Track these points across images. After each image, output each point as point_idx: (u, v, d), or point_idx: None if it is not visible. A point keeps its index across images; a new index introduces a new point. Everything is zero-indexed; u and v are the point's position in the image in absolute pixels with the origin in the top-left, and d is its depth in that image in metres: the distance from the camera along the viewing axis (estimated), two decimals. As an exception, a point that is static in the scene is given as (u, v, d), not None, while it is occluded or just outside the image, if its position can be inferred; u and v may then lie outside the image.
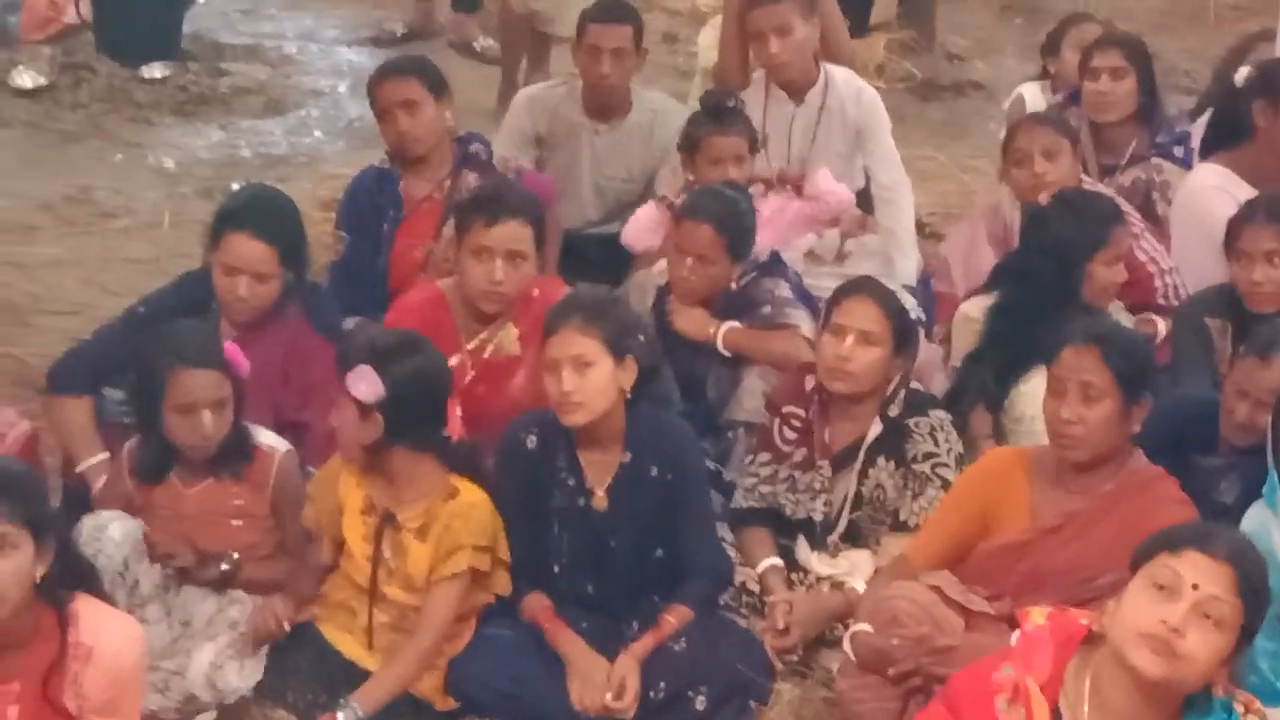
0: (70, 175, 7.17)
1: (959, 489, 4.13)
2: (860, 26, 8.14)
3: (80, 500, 4.40)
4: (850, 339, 4.36)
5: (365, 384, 3.98)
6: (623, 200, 5.95)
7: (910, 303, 4.50)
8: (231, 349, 4.17)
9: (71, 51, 8.17)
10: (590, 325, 4.09)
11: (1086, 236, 4.78)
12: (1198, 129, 5.75)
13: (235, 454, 4.14)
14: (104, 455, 4.45)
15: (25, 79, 7.87)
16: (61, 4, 8.42)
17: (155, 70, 8.02)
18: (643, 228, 5.46)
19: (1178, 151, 5.75)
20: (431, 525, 4.04)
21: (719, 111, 5.54)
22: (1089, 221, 4.82)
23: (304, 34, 8.83)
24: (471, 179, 5.37)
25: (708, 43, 6.40)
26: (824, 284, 5.38)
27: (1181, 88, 7.80)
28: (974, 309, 4.90)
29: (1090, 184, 5.36)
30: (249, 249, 4.49)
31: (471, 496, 4.08)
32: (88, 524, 4.08)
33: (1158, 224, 5.48)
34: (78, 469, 4.49)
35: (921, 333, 4.83)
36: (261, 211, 4.63)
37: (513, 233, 4.55)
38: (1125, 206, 5.17)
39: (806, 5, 5.80)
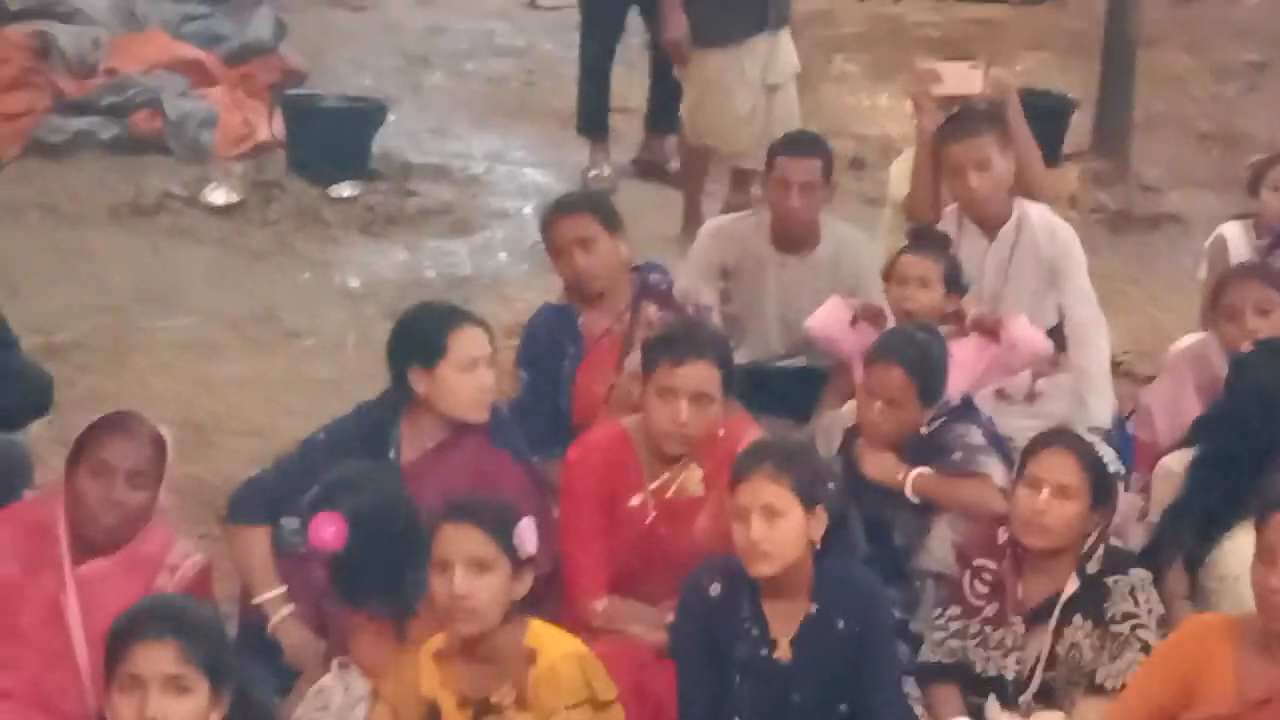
0: (257, 293, 7.24)
1: (1160, 655, 3.94)
2: (1053, 156, 8.03)
3: (256, 632, 4.38)
4: (1046, 492, 4.21)
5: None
6: (810, 334, 5.86)
7: (1109, 455, 4.34)
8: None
9: (263, 169, 8.30)
10: (782, 473, 3.99)
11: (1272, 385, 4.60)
12: None
13: None
14: (281, 589, 4.41)
15: (218, 196, 7.98)
16: (255, 122, 8.57)
17: (344, 189, 8.09)
18: (827, 322, 5.41)
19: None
20: (524, 693, 3.84)
21: (920, 234, 5.45)
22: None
23: (491, 154, 8.88)
24: (651, 311, 5.30)
25: (899, 175, 6.30)
26: (1015, 423, 5.26)
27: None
28: (1176, 463, 4.72)
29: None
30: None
31: (550, 657, 3.84)
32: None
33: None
34: (254, 601, 4.46)
35: (1120, 485, 4.65)
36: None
37: (700, 374, 4.45)
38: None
39: (1004, 138, 5.70)
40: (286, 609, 4.38)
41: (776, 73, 7.59)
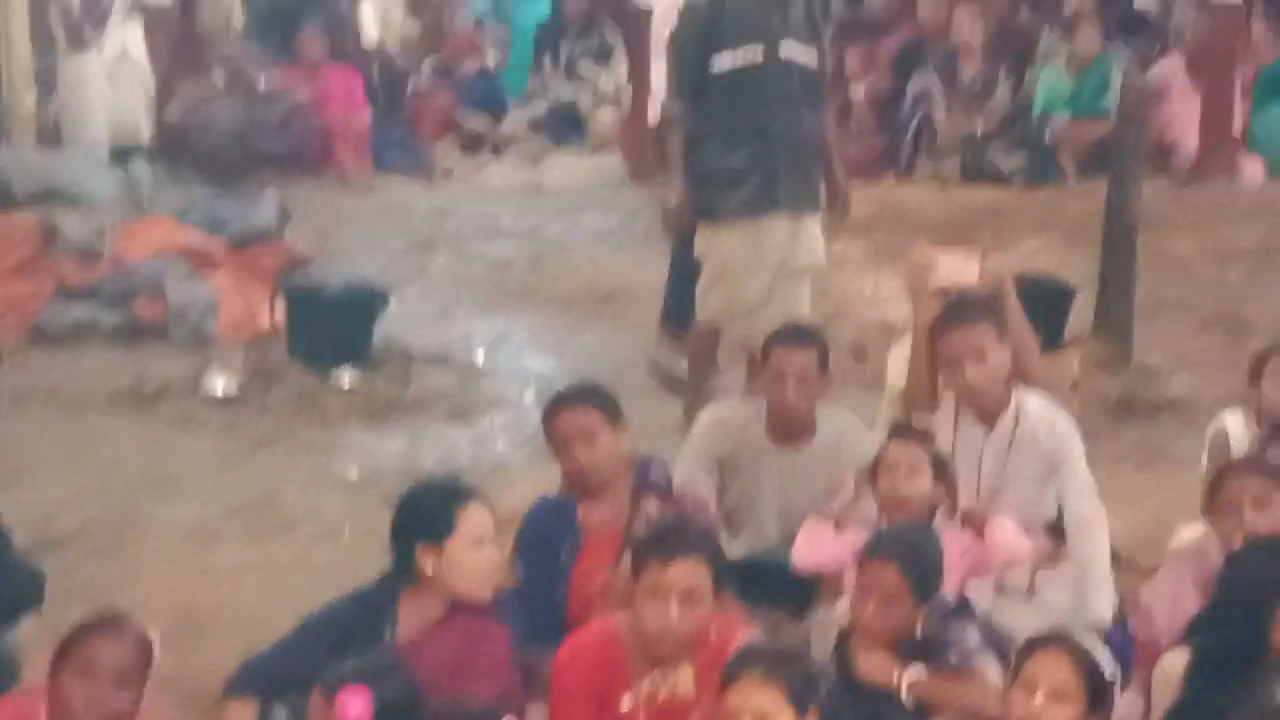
0: (257, 482, 7.20)
1: None
2: (1055, 341, 8.00)
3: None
4: (1041, 695, 4.15)
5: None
6: (808, 526, 5.79)
7: (1105, 658, 4.27)
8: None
9: (264, 355, 8.31)
10: (773, 678, 3.95)
11: (1262, 583, 4.53)
12: None
13: None
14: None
15: (218, 385, 7.97)
16: (258, 308, 8.60)
17: (344, 377, 8.09)
18: (811, 549, 5.32)
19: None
20: None
21: (903, 426, 5.42)
22: (1271, 563, 4.58)
23: (493, 339, 8.87)
24: (652, 506, 5.25)
25: (896, 364, 6.28)
26: (1014, 616, 5.20)
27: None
28: (1174, 663, 4.65)
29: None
30: None
31: None
32: None
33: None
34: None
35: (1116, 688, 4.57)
36: None
37: (690, 572, 4.41)
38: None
39: (1000, 328, 5.68)
40: None
41: (796, 260, 7.36)
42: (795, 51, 7.28)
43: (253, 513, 6.96)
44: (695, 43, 7.32)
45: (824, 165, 7.49)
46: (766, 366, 5.84)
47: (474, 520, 4.58)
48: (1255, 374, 6.19)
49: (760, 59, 7.22)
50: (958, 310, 5.73)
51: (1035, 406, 5.71)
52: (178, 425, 7.77)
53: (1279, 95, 12.02)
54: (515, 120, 12.36)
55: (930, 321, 5.79)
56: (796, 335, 5.89)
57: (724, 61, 7.23)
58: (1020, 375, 5.81)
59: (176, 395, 7.99)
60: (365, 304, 8.43)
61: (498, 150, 12.08)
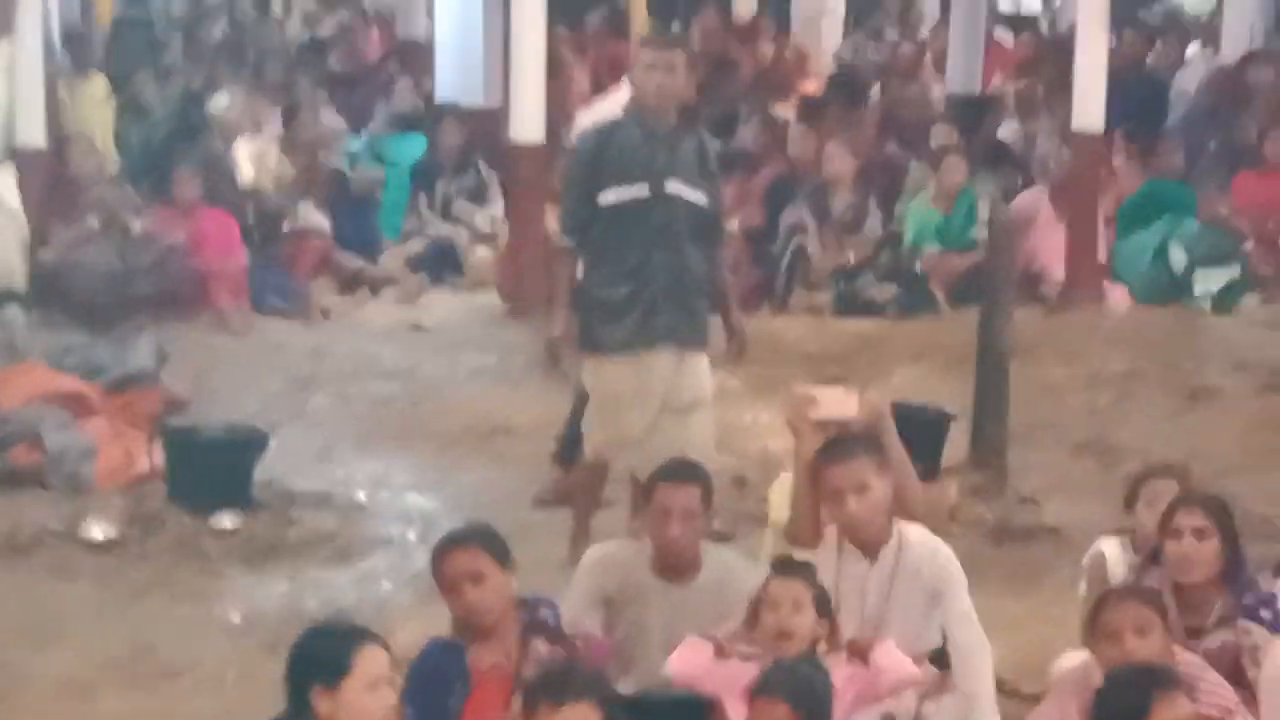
0: (136, 630, 7.10)
1: None
2: (932, 470, 8.10)
3: None
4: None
5: None
6: (695, 663, 5.80)
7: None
8: None
9: (143, 500, 8.23)
10: None
11: (1131, 710, 4.60)
12: (1283, 588, 5.61)
13: None
14: None
15: (96, 531, 7.88)
16: (135, 453, 8.53)
17: (225, 520, 8.02)
18: (686, 663, 5.36)
19: (1264, 614, 5.59)
20: None
21: (785, 561, 5.49)
22: (1137, 691, 4.66)
23: (375, 479, 8.83)
24: (541, 646, 5.27)
25: (779, 498, 6.34)
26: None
27: (1261, 535, 7.64)
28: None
29: (1179, 652, 5.20)
30: None
31: None
32: None
33: (1248, 690, 5.30)
34: None
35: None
36: None
37: (580, 716, 4.42)
38: (1212, 674, 5.01)
39: (881, 461, 5.76)
40: None
41: (680, 395, 7.39)
42: (682, 190, 7.40)
43: (133, 662, 6.86)
44: (583, 178, 7.44)
45: (719, 303, 7.60)
46: (650, 503, 5.87)
47: (370, 662, 4.57)
48: (1130, 500, 6.31)
49: (646, 194, 7.34)
50: (838, 445, 5.81)
51: (917, 537, 5.79)
52: (55, 573, 7.65)
53: (1141, 223, 12.32)
54: (392, 259, 12.38)
55: (811, 456, 5.87)
56: (679, 471, 5.93)
57: (609, 196, 7.35)
58: (901, 506, 5.89)
59: (53, 542, 7.87)
60: (245, 445, 8.38)
61: (375, 289, 12.08)
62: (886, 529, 5.75)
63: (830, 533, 5.82)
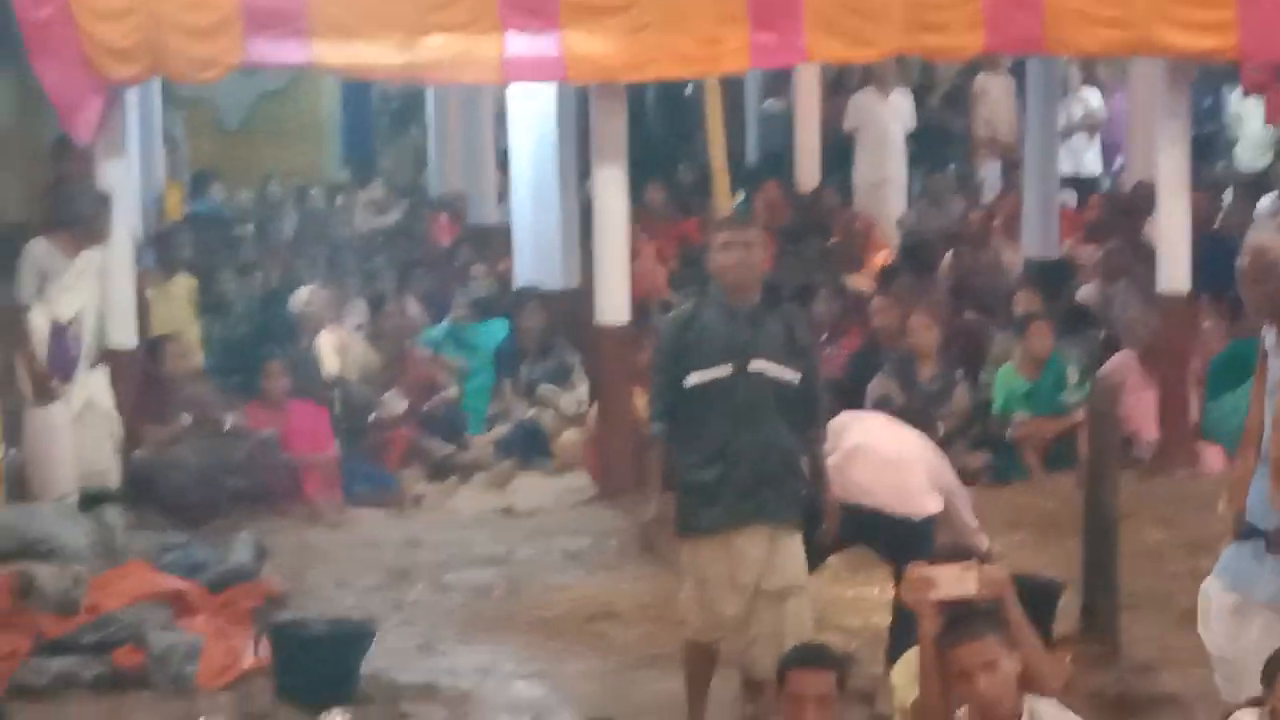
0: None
1: None
2: (1045, 640, 7.99)
3: None
4: None
5: None
6: None
7: None
8: None
9: (250, 699, 8.19)
10: None
11: None
12: None
13: None
14: None
15: (205, 734, 7.87)
16: (239, 650, 8.51)
17: (335, 717, 7.95)
18: None
19: None
20: None
21: None
22: None
23: (479, 669, 8.76)
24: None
25: (903, 680, 6.27)
26: None
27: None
28: None
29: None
30: None
31: None
32: None
33: None
34: None
35: None
36: None
37: None
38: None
39: (1007, 637, 5.71)
40: None
41: (775, 580, 7.37)
42: (768, 367, 7.39)
43: None
44: (668, 364, 7.46)
45: (814, 480, 7.56)
46: (782, 691, 5.81)
47: None
48: (1269, 676, 6.17)
49: (729, 373, 7.34)
50: (963, 624, 5.77)
51: (1048, 712, 5.72)
52: (165, 778, 7.65)
53: (1230, 384, 12.23)
54: (479, 444, 12.40)
55: (934, 636, 5.82)
56: (812, 656, 5.88)
57: (694, 378, 7.35)
58: (1030, 680, 5.83)
59: (163, 746, 7.88)
60: (353, 639, 8.35)
61: (464, 476, 12.09)
62: (1017, 705, 5.69)
63: (961, 713, 5.75)
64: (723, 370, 7.35)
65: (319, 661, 8.16)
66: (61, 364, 10.53)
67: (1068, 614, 8.70)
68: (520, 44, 11.14)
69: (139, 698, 8.33)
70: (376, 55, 11.00)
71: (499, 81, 12.00)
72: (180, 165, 19.65)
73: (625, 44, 11.23)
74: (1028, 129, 15.41)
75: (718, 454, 7.35)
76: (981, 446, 11.97)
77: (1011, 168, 17.53)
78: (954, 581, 5.98)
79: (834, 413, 8.78)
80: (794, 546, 7.48)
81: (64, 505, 10.16)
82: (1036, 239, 14.94)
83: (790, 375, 7.44)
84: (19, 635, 8.54)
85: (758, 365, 7.38)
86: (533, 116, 13.48)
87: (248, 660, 8.55)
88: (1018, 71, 16.97)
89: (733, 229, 7.59)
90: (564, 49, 11.15)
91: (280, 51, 10.94)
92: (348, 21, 10.88)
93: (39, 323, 10.51)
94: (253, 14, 10.76)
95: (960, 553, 6.44)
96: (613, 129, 11.70)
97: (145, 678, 8.42)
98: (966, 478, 11.58)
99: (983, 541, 8.69)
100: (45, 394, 10.49)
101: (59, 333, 10.52)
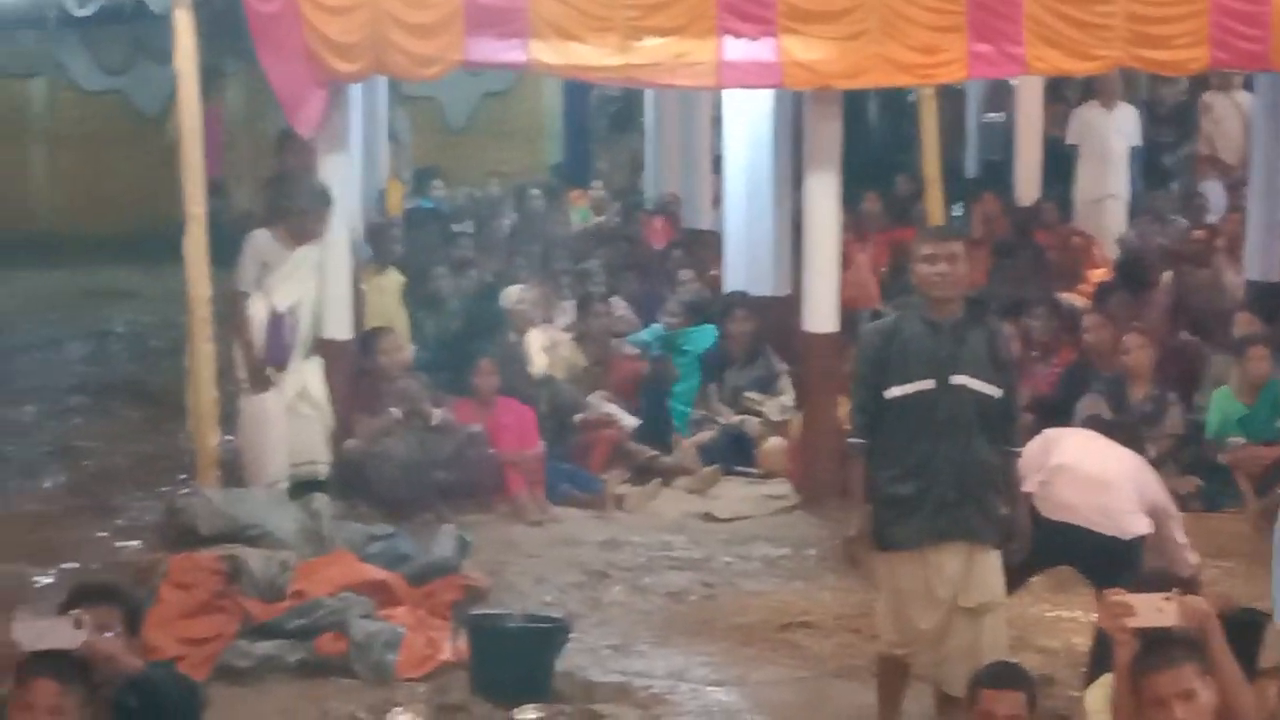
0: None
1: None
2: (1249, 671, 7.81)
3: None
4: None
5: None
6: None
7: None
8: None
9: (446, 690, 8.29)
10: None
11: None
12: None
13: None
14: None
15: (403, 722, 7.98)
16: (438, 642, 8.61)
17: (529, 713, 8.04)
18: None
19: None
20: None
21: None
22: None
23: (673, 672, 8.79)
24: None
25: (1097, 705, 6.17)
26: None
27: None
28: None
29: None
30: None
31: None
32: None
33: None
34: None
35: None
36: None
37: None
38: None
39: (1205, 665, 5.61)
40: None
41: (972, 596, 7.34)
42: (969, 382, 7.33)
43: None
44: (870, 376, 7.42)
45: (1009, 496, 7.49)
46: (972, 708, 5.75)
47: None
48: None
49: (931, 387, 7.29)
50: (1161, 651, 5.66)
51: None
52: (365, 761, 7.77)
53: None
54: (684, 448, 12.41)
55: (1129, 663, 5.72)
56: (1004, 677, 5.81)
57: (895, 391, 7.31)
58: (1230, 713, 5.71)
59: (362, 733, 8.00)
60: (550, 636, 8.43)
61: (667, 479, 12.11)
62: (1212, 761, 5.57)
63: (1155, 742, 5.64)
64: (925, 384, 7.31)
65: (515, 657, 8.25)
66: (277, 352, 10.75)
67: (1275, 646, 8.49)
68: (737, 48, 11.15)
69: (339, 684, 8.48)
70: (593, 57, 11.07)
71: (715, 85, 11.98)
72: (405, 162, 19.98)
73: (842, 51, 11.20)
74: (1254, 148, 15.04)
75: (917, 468, 7.32)
76: (1193, 471, 11.72)
77: (1236, 187, 17.14)
78: (1153, 611, 5.87)
79: (1041, 430, 8.69)
80: (992, 563, 7.43)
81: (275, 492, 10.38)
82: (1259, 261, 14.58)
83: (992, 390, 7.37)
84: (227, 618, 8.74)
85: (959, 379, 7.33)
86: (749, 121, 13.49)
87: (446, 653, 8.66)
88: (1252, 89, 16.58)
89: (936, 240, 7.52)
90: (780, 54, 11.15)
91: (499, 51, 11.05)
92: (566, 22, 10.96)
93: (257, 311, 10.74)
94: (473, 13, 10.89)
95: (1164, 581, 6.33)
96: (827, 136, 11.67)
97: (346, 665, 8.58)
98: (1176, 502, 11.43)
99: (1193, 558, 8.54)
100: (260, 382, 10.71)
101: (276, 322, 10.75)
